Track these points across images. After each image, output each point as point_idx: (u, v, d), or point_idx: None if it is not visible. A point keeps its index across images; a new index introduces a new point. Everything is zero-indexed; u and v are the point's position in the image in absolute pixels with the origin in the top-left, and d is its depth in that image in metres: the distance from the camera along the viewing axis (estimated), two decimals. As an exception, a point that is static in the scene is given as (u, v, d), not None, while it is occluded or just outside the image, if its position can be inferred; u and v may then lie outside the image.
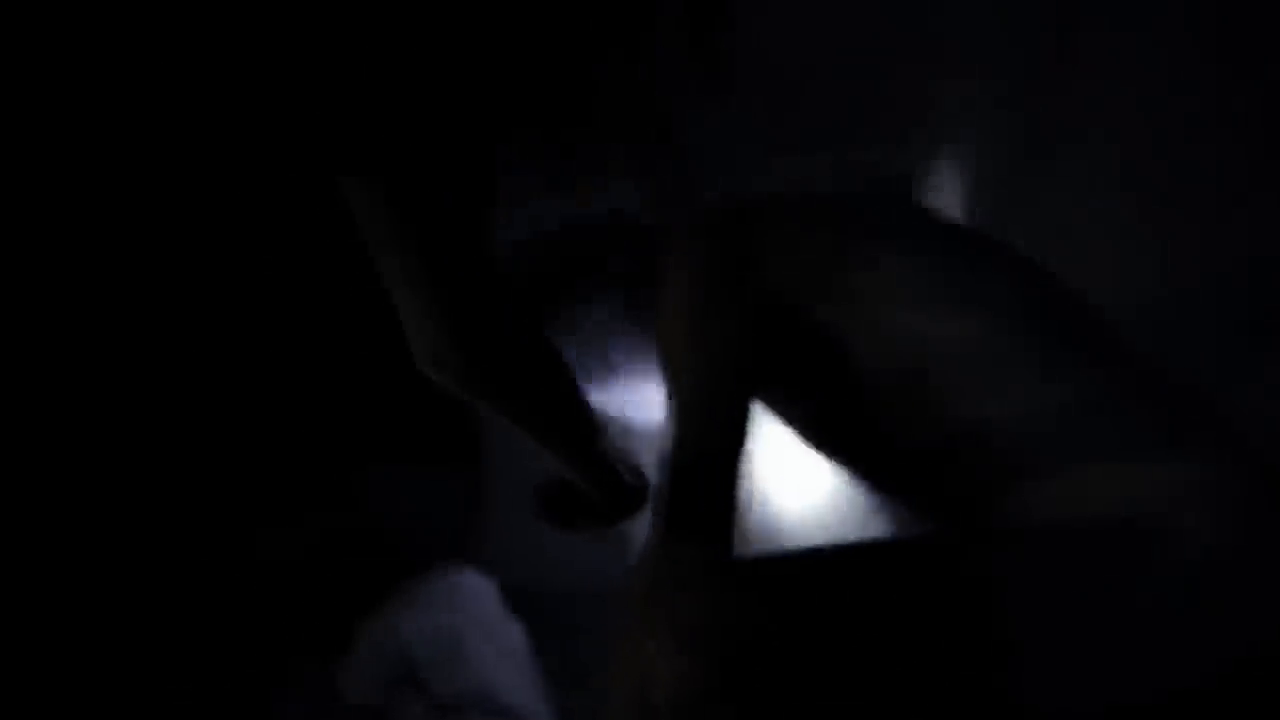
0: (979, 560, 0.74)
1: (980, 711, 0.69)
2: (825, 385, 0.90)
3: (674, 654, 0.73)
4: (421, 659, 1.50)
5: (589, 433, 1.02)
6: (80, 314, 1.30)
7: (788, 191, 0.94)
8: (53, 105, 1.10)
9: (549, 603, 1.58)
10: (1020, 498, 0.77)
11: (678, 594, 0.76)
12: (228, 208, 1.29)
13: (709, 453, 0.85)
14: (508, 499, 1.52)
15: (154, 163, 1.19)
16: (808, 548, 0.81)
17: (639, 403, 1.29)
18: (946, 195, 1.26)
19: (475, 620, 1.56)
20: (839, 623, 0.73)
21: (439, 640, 1.54)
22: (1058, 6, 1.20)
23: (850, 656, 0.72)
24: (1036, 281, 0.86)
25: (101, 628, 1.34)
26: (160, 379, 1.37)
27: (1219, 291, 1.16)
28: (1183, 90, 1.13)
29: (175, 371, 1.38)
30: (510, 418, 0.99)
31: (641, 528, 1.13)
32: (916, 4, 1.17)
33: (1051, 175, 1.21)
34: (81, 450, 1.33)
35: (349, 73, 0.87)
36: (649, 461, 1.24)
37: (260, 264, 1.35)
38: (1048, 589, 0.72)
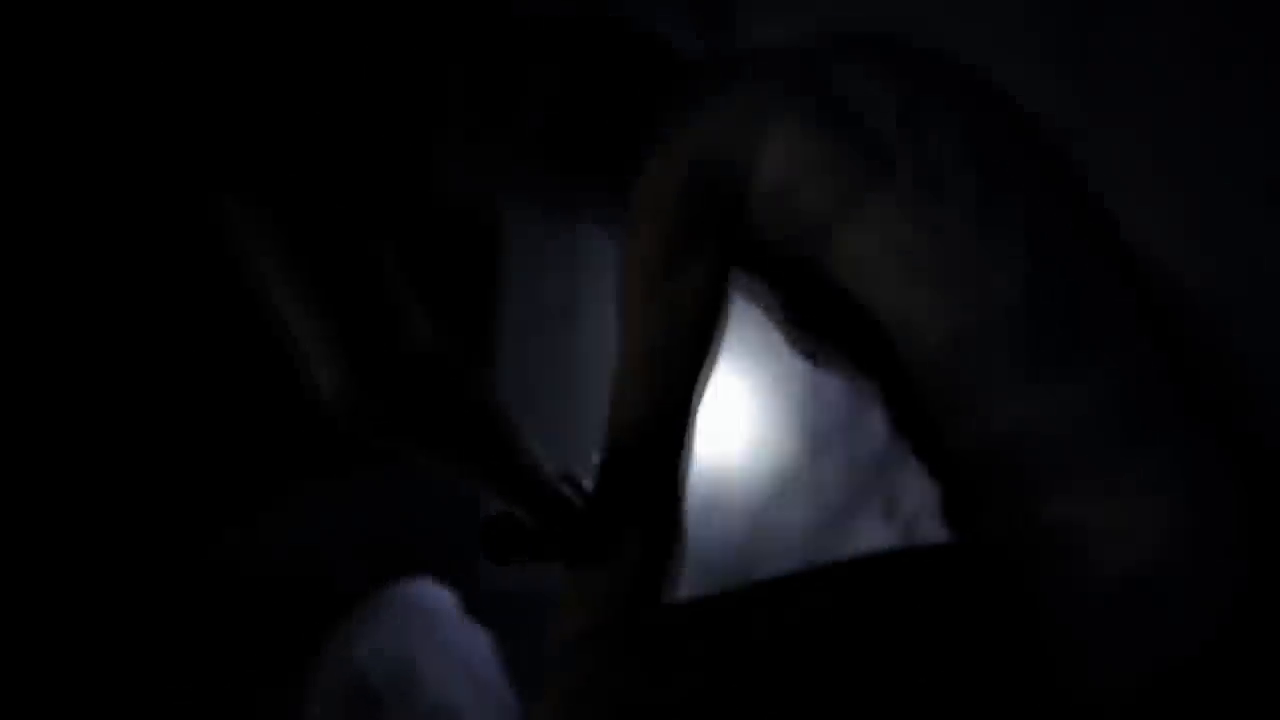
0: (887, 600, 0.72)
1: None
2: (833, 333, 0.84)
3: None
4: (377, 683, 1.44)
5: (531, 474, 0.93)
6: (69, 314, 1.24)
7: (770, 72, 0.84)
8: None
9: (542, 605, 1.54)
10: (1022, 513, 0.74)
11: (567, 653, 0.76)
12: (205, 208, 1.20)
13: (650, 434, 0.80)
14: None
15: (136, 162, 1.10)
16: (726, 592, 0.78)
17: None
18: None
19: (430, 638, 1.49)
20: (729, 682, 0.72)
21: (392, 663, 1.48)
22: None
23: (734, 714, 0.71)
24: (1066, 217, 0.79)
25: (76, 631, 1.32)
26: (148, 379, 1.30)
27: (1234, 287, 1.10)
28: (1202, 84, 1.09)
29: (165, 371, 1.31)
30: (442, 463, 0.89)
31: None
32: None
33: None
34: (67, 452, 1.28)
35: (218, 74, 0.76)
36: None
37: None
38: (949, 612, 0.70)
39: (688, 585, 1.14)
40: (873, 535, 1.26)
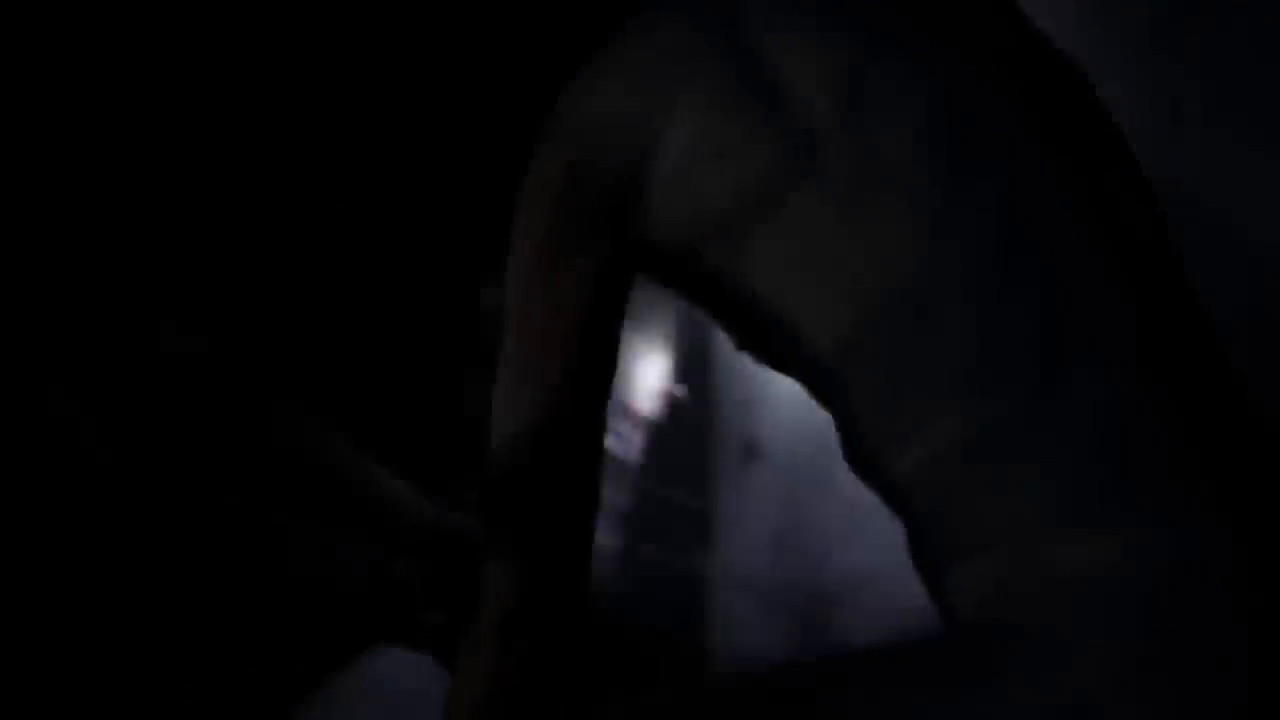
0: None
1: None
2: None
3: None
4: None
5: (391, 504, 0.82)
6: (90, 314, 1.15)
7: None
8: None
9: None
10: (954, 576, 0.65)
11: None
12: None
13: (535, 466, 0.69)
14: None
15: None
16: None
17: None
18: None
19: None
20: None
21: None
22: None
23: None
24: (1061, 206, 0.66)
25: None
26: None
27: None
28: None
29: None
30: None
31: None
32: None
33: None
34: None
35: None
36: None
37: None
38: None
39: (755, 627, 1.01)
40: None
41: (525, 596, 0.68)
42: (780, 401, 1.16)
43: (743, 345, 0.78)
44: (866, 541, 1.14)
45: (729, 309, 0.72)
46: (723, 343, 1.31)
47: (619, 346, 0.74)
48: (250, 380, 0.83)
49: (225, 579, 1.24)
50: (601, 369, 0.72)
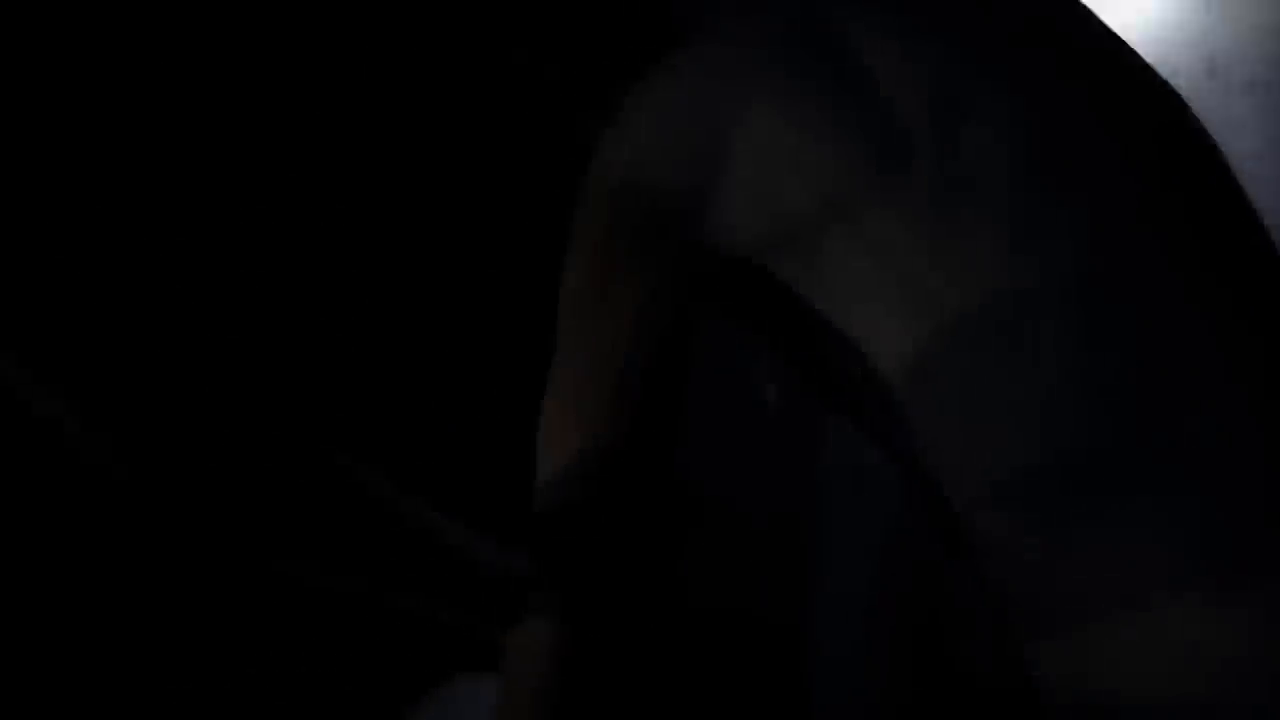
0: None
1: None
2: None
3: None
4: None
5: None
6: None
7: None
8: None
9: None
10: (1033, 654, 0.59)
11: None
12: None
13: (585, 506, 0.63)
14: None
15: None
16: None
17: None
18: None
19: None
20: None
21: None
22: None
23: None
24: (1158, 235, 0.60)
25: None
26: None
27: None
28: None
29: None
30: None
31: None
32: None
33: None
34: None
35: None
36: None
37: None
38: None
39: (859, 653, 0.96)
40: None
41: (568, 661, 0.63)
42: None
43: (801, 377, 0.74)
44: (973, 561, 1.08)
45: (790, 330, 0.68)
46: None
47: (687, 371, 0.69)
48: (288, 419, 0.83)
49: (257, 630, 1.24)
50: (664, 395, 0.68)
